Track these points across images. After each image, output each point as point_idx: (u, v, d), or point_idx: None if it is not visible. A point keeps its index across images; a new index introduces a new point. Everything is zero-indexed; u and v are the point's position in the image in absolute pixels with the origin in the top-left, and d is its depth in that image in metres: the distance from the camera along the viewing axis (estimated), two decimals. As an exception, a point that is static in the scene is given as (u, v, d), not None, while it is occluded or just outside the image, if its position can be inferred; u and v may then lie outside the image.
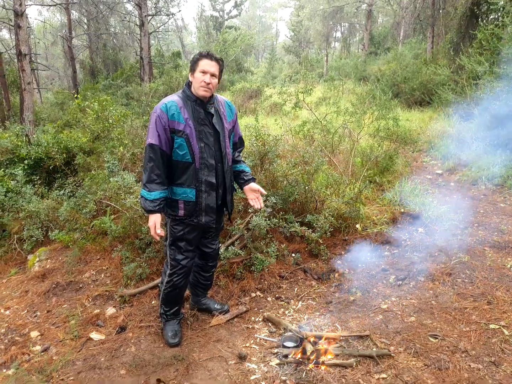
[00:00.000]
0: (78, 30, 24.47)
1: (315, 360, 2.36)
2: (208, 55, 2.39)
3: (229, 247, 3.30)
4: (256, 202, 2.68)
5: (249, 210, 3.52)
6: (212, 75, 2.39)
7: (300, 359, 2.38)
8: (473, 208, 4.88)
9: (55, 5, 18.92)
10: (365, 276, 3.42)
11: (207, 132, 2.45)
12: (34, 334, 3.06)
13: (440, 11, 15.23)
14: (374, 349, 2.47)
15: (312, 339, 2.50)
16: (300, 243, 3.86)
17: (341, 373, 2.32)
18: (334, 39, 40.79)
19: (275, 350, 2.51)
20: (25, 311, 3.45)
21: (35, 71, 23.25)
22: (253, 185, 2.69)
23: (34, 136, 7.20)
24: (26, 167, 6.32)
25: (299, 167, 4.06)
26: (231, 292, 3.23)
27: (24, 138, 7.03)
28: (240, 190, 2.88)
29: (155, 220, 2.46)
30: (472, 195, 5.43)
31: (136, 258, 3.87)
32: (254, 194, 2.70)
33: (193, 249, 2.66)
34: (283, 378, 2.29)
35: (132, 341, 2.75)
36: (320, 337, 2.55)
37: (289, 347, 2.50)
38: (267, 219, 3.41)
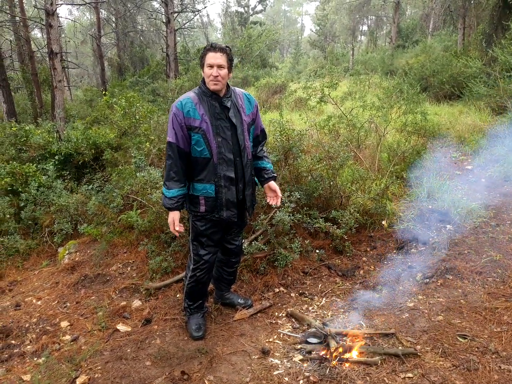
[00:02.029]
0: (106, 29, 25.01)
1: (339, 357, 2.34)
2: (212, 47, 2.35)
3: (253, 242, 3.31)
4: (274, 200, 2.70)
5: (272, 206, 3.50)
6: (219, 66, 2.35)
7: (324, 356, 2.37)
8: (505, 205, 4.69)
9: (84, 4, 19.42)
10: (391, 274, 3.35)
11: (224, 126, 2.44)
12: (64, 324, 3.16)
13: (472, 1, 14.67)
14: (400, 348, 2.42)
15: (336, 336, 2.47)
16: (324, 239, 3.82)
17: (366, 371, 2.29)
18: (361, 32, 40.05)
19: (299, 346, 2.50)
20: (56, 302, 3.57)
21: (66, 69, 23.97)
22: (272, 184, 2.70)
23: (64, 132, 7.43)
24: (56, 162, 6.53)
25: (324, 162, 4.01)
26: (254, 287, 3.24)
27: (55, 134, 7.26)
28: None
29: (173, 217, 2.50)
30: (504, 191, 5.21)
31: (161, 252, 3.93)
32: (272, 193, 2.71)
33: (216, 244, 2.67)
34: (307, 374, 2.28)
35: (157, 333, 2.80)
36: (344, 334, 2.52)
37: (312, 343, 2.48)
38: (291, 215, 3.39)
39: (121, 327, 2.96)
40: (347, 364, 2.32)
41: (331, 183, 3.94)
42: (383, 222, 4.14)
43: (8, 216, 5.25)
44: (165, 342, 2.69)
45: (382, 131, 5.46)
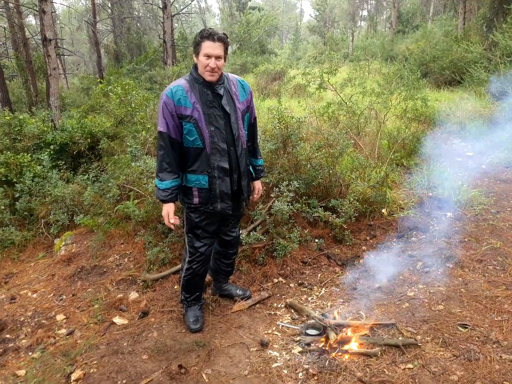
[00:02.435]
0: (102, 15, 24.59)
1: (338, 349, 2.30)
2: (210, 36, 2.20)
3: (251, 233, 3.25)
4: (253, 197, 2.74)
5: (271, 195, 3.44)
6: (217, 57, 2.24)
7: (323, 348, 2.33)
8: (505, 192, 4.64)
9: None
10: (391, 263, 3.30)
11: (217, 115, 2.34)
12: (60, 317, 3.12)
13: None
14: (400, 338, 2.39)
15: (335, 327, 2.43)
16: (323, 228, 3.77)
17: (366, 363, 2.26)
18: (360, 17, 39.50)
19: (298, 338, 2.46)
20: (52, 295, 3.53)
21: (61, 56, 23.62)
22: (258, 183, 2.73)
23: (59, 121, 7.31)
24: (52, 152, 6.42)
25: (323, 150, 3.94)
26: (253, 277, 3.20)
27: (50, 123, 7.15)
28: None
29: (168, 210, 2.43)
30: (505, 178, 5.16)
31: (159, 242, 3.88)
32: (255, 192, 2.73)
33: (211, 236, 2.62)
34: (306, 366, 2.25)
35: (154, 326, 2.76)
36: (343, 325, 2.48)
37: (311, 335, 2.45)
38: (290, 204, 3.33)
39: (118, 320, 2.92)
40: (346, 356, 2.28)
41: (331, 171, 3.87)
42: (383, 211, 4.09)
43: (2, 207, 5.18)
44: (162, 335, 2.65)
45: (382, 118, 5.37)
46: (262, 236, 3.22)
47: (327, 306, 2.83)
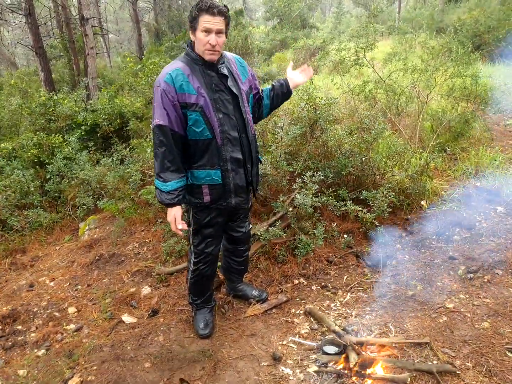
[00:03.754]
0: (144, -8, 24.50)
1: (359, 372, 2.00)
2: (210, 9, 1.90)
3: (270, 227, 2.96)
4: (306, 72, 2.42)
5: (293, 187, 3.11)
6: (218, 32, 1.94)
7: (342, 370, 2.03)
8: None
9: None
10: (428, 265, 2.91)
11: (224, 99, 2.05)
12: (71, 310, 3.03)
13: None
14: (435, 363, 2.04)
15: (357, 346, 2.12)
16: (353, 222, 3.40)
17: (392, 389, 1.94)
18: (408, -14, 36.82)
19: (314, 356, 2.18)
20: (68, 284, 3.45)
21: (105, 36, 23.86)
22: (289, 75, 2.40)
23: (90, 102, 7.27)
24: (83, 133, 6.40)
25: (355, 135, 3.52)
26: (271, 277, 2.92)
27: (81, 104, 7.11)
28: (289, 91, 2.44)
29: (174, 214, 2.11)
30: None
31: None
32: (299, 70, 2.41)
33: (220, 235, 2.37)
34: (321, 389, 1.97)
35: (162, 328, 2.57)
36: (367, 343, 2.17)
37: (329, 354, 2.15)
38: (315, 196, 2.99)
39: (126, 318, 2.76)
40: (369, 381, 1.98)
41: (363, 159, 3.46)
42: (422, 203, 3.65)
43: (33, 189, 5.20)
44: (168, 339, 2.46)
45: (425, 97, 4.80)
46: (282, 231, 2.92)
47: (352, 315, 2.51)
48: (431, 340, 2.18)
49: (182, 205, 2.19)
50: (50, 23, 21.22)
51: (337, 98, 3.72)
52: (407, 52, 10.02)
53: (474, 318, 2.34)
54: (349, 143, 3.51)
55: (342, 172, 3.41)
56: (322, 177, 2.98)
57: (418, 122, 4.50)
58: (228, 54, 2.19)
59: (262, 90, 2.37)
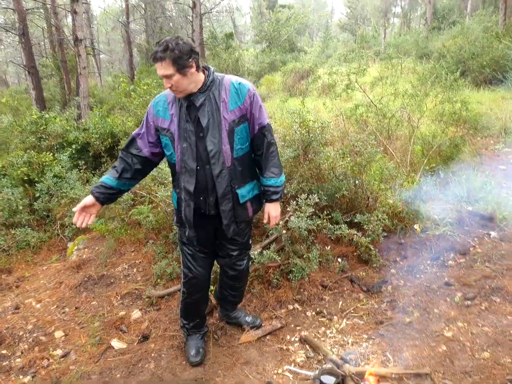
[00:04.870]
0: (136, 15, 24.86)
1: (359, 403, 1.94)
2: (154, 58, 1.90)
3: (264, 251, 2.92)
4: (268, 221, 2.32)
5: (288, 209, 3.09)
6: (168, 77, 1.91)
7: (341, 401, 1.98)
8: (561, 208, 4.08)
9: (109, -11, 19.23)
10: (424, 291, 2.89)
11: (189, 130, 2.03)
12: (58, 334, 2.91)
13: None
14: (435, 393, 2.00)
15: (356, 377, 2.07)
16: (347, 245, 3.39)
17: (392, 422, 1.89)
18: (393, 14, 38.24)
19: (311, 386, 2.12)
20: (55, 306, 3.34)
21: (97, 56, 24.05)
22: (266, 207, 2.29)
23: (82, 120, 7.24)
24: (73, 151, 6.34)
25: (349, 158, 3.55)
26: (265, 302, 2.86)
27: (73, 122, 7.08)
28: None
29: (84, 202, 2.11)
30: (559, 191, 4.58)
31: (167, 254, 3.63)
32: (267, 216, 2.31)
33: (205, 257, 2.31)
34: (319, 422, 1.91)
35: (152, 354, 2.48)
36: (366, 374, 2.11)
37: None
38: (309, 219, 2.97)
39: (116, 344, 2.67)
40: (369, 413, 1.92)
41: (357, 182, 3.48)
42: (416, 227, 3.66)
43: (21, 207, 5.09)
44: (159, 366, 2.37)
45: (416, 121, 4.89)
46: (276, 255, 2.88)
47: (348, 343, 2.46)
48: (431, 370, 2.14)
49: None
50: (43, 43, 21.36)
51: (330, 121, 3.74)
52: (394, 76, 10.28)
53: (473, 348, 2.30)
54: (342, 166, 3.53)
55: (336, 195, 3.41)
56: (317, 200, 2.97)
57: (409, 145, 4.57)
58: (227, 78, 2.09)
59: (260, 130, 2.16)
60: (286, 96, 9.08)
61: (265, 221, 2.32)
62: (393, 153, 4.56)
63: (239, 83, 2.08)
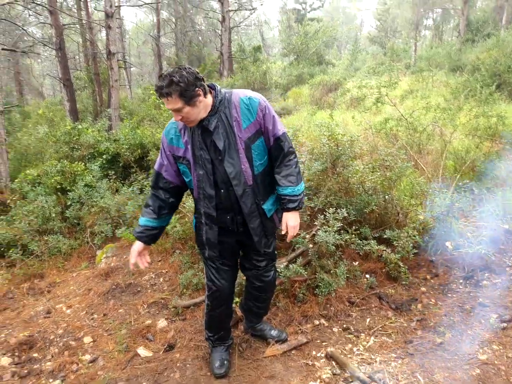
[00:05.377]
0: (166, 29, 25.65)
1: (387, 425, 1.88)
2: (160, 94, 1.85)
3: (290, 264, 2.90)
4: (286, 232, 2.22)
5: (315, 223, 3.07)
6: (177, 111, 1.87)
7: (368, 421, 1.92)
8: None
9: (142, 5, 19.95)
10: (456, 311, 2.78)
11: (205, 158, 2.00)
12: (87, 339, 2.98)
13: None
14: (468, 419, 1.91)
15: (384, 396, 2.01)
16: (376, 262, 3.32)
17: None
18: (425, 27, 37.79)
19: (337, 404, 2.07)
20: (84, 312, 3.42)
21: (128, 69, 24.89)
22: (284, 216, 2.19)
23: (113, 131, 7.48)
24: (104, 162, 6.55)
25: (379, 173, 3.50)
26: (291, 316, 2.83)
27: (104, 133, 7.33)
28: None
29: (134, 249, 2.17)
30: None
31: (194, 264, 3.66)
32: (285, 226, 2.19)
33: (229, 269, 2.30)
34: None
35: (178, 364, 2.50)
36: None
37: (354, 402, 2.04)
38: (337, 234, 2.94)
39: (142, 352, 2.70)
40: None
41: (386, 197, 3.42)
42: (448, 244, 3.54)
43: (54, 215, 5.28)
44: (184, 376, 2.38)
45: (448, 136, 4.78)
46: (302, 269, 2.85)
47: (376, 361, 2.39)
48: (463, 394, 2.05)
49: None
50: (78, 57, 22.33)
51: (359, 135, 3.71)
52: (425, 89, 10.11)
53: (509, 372, 2.19)
54: (372, 180, 3.48)
55: (365, 210, 3.36)
56: (345, 214, 2.93)
57: (441, 160, 4.46)
58: (235, 95, 2.01)
59: (276, 144, 2.09)
60: (314, 109, 9.06)
61: (283, 232, 2.20)
62: (424, 168, 4.46)
63: (249, 98, 2.00)
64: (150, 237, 2.18)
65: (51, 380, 2.55)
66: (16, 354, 2.85)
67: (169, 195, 2.16)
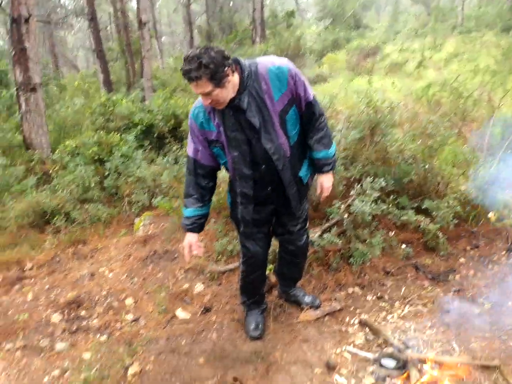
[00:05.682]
0: (197, -4, 25.19)
1: (421, 391, 1.89)
2: (188, 78, 1.72)
3: (325, 234, 2.89)
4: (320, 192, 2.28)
5: (351, 193, 3.02)
6: (206, 94, 1.77)
7: (402, 386, 1.94)
8: None
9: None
10: (497, 283, 2.70)
11: (240, 139, 1.93)
12: (129, 301, 3.15)
13: None
14: (506, 389, 1.89)
15: (419, 362, 2.01)
16: (413, 232, 3.24)
17: (456, 413, 1.82)
18: (473, -17, 34.89)
19: (371, 368, 2.09)
20: (125, 276, 3.59)
21: (159, 38, 24.84)
22: (319, 178, 2.24)
23: (146, 102, 7.58)
24: (139, 132, 6.67)
25: (419, 141, 3.36)
26: (324, 284, 2.85)
27: (138, 104, 7.44)
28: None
29: (189, 240, 2.17)
30: None
31: (228, 232, 3.73)
32: (319, 187, 2.27)
33: (264, 236, 2.32)
34: (378, 405, 1.89)
35: (214, 326, 2.60)
36: (430, 361, 2.05)
37: (388, 368, 2.06)
38: (374, 203, 2.88)
39: (180, 313, 2.83)
40: (431, 401, 1.87)
41: (427, 166, 3.29)
42: (490, 215, 3.40)
43: (93, 184, 5.48)
44: (221, 337, 2.49)
45: (497, 102, 4.48)
46: (337, 238, 2.84)
47: (410, 329, 2.38)
48: (501, 363, 2.02)
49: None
50: (109, 28, 22.43)
51: (400, 102, 3.56)
52: (472, 52, 9.45)
53: (549, 344, 2.14)
54: (412, 149, 3.35)
55: (404, 180, 3.26)
56: (383, 184, 2.86)
57: (487, 128, 4.22)
58: (262, 66, 1.88)
59: (307, 108, 2.03)
60: (351, 75, 8.72)
61: (318, 193, 2.29)
62: (468, 136, 4.24)
63: (277, 67, 1.87)
64: (201, 225, 2.21)
65: (98, 336, 2.73)
66: (66, 312, 3.07)
67: (208, 179, 2.14)
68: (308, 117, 2.05)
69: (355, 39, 17.37)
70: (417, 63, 4.62)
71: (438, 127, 3.33)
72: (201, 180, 2.11)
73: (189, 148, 2.10)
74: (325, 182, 2.22)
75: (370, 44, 13.59)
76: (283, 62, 1.91)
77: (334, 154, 2.19)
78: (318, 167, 2.19)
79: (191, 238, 2.18)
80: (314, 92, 2.08)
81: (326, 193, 2.26)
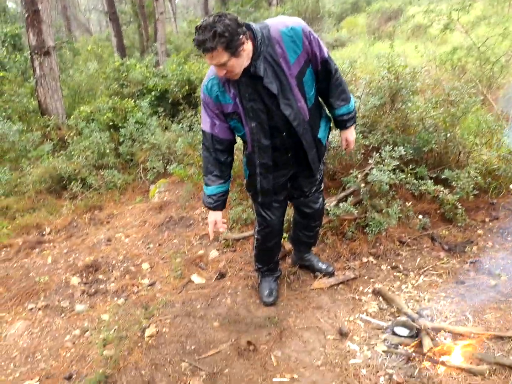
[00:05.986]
0: (213, -46, 24.11)
1: (432, 358, 1.91)
2: (203, 49, 1.64)
3: (340, 203, 2.86)
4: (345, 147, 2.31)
5: (369, 162, 2.96)
6: (222, 65, 1.70)
7: (414, 353, 1.95)
8: None
9: None
10: (515, 255, 2.66)
11: (257, 108, 1.87)
12: (145, 266, 3.21)
13: None
14: (519, 359, 1.89)
15: (432, 331, 2.02)
16: (431, 202, 3.19)
17: (467, 381, 1.84)
18: None
19: (383, 336, 2.11)
20: (141, 241, 3.65)
21: (173, 0, 24.08)
22: (343, 134, 2.24)
23: (160, 67, 7.44)
24: (153, 98, 6.59)
25: (442, 109, 3.23)
26: (338, 253, 2.85)
27: (152, 69, 7.31)
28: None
29: (215, 217, 2.16)
30: None
31: (243, 201, 3.72)
32: (344, 142, 2.28)
33: (280, 205, 2.30)
34: (389, 371, 1.92)
35: (229, 291, 2.65)
36: (443, 330, 2.05)
37: (401, 336, 2.07)
38: (391, 173, 2.82)
39: (195, 278, 2.88)
40: (442, 368, 1.88)
41: (448, 135, 3.18)
42: (511, 186, 3.31)
43: (108, 151, 5.50)
44: (235, 302, 2.53)
45: (526, 68, 4.27)
46: (353, 208, 2.81)
47: (424, 299, 2.39)
48: (516, 335, 2.01)
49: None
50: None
51: (424, 67, 3.40)
52: (501, 15, 8.92)
53: None
54: (434, 116, 3.23)
55: (424, 148, 3.16)
56: (403, 152, 2.79)
57: (513, 95, 4.04)
58: (274, 29, 1.79)
59: (323, 65, 1.95)
60: (372, 40, 8.35)
61: (343, 147, 2.30)
62: (493, 103, 4.07)
63: (291, 28, 1.78)
64: (224, 202, 2.19)
65: (115, 299, 2.82)
66: (84, 275, 3.16)
67: (227, 154, 2.09)
68: (325, 75, 1.98)
69: (377, 1, 16.53)
70: (443, 25, 4.37)
71: (462, 94, 3.18)
72: (220, 155, 2.06)
73: (205, 123, 2.02)
74: (349, 136, 2.23)
75: (392, 6, 12.94)
76: (296, 22, 1.82)
77: (354, 108, 2.17)
78: (341, 124, 2.18)
79: (215, 215, 2.18)
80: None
81: (352, 145, 2.27)
